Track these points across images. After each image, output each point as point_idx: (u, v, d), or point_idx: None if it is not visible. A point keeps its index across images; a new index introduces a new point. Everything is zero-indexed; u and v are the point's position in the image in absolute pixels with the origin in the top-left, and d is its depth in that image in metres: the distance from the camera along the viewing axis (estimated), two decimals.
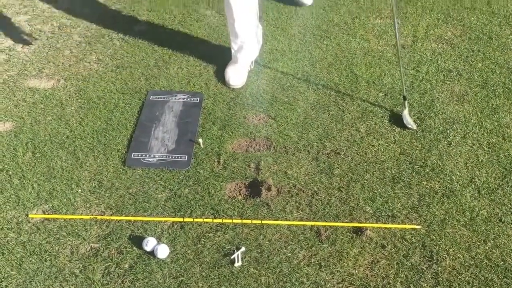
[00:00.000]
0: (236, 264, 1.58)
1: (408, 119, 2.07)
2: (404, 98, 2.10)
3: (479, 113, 2.15)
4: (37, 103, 2.17)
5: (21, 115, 2.11)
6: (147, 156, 1.93)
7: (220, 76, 2.30)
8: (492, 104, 2.19)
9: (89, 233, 1.67)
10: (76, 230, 1.68)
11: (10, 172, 1.87)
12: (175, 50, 2.46)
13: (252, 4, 2.12)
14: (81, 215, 1.72)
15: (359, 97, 2.21)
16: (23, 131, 2.04)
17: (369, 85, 2.27)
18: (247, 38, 2.21)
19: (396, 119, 2.10)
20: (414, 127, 2.06)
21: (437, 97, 2.22)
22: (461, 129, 2.07)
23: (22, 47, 2.50)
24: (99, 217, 1.71)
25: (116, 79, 2.30)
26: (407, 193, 1.81)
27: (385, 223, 1.71)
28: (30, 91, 2.24)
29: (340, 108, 2.15)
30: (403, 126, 2.07)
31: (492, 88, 2.28)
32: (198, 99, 2.18)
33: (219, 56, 2.40)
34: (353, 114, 2.13)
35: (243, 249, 1.62)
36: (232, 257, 1.60)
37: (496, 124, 2.10)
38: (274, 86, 2.27)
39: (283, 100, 2.19)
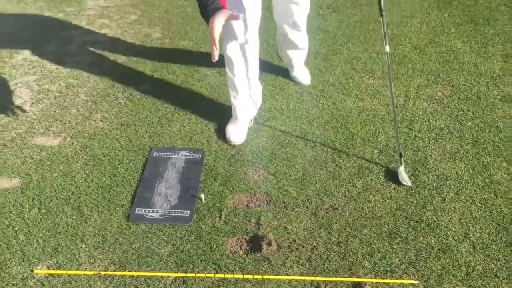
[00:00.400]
0: None
1: (403, 176, 2.15)
2: (400, 155, 2.19)
3: (471, 170, 2.23)
4: (44, 160, 2.24)
5: (28, 171, 2.18)
6: (150, 211, 1.98)
7: (221, 133, 2.40)
8: (483, 162, 2.28)
9: None
10: (80, 286, 1.70)
11: (16, 228, 1.91)
12: (177, 109, 2.57)
13: (253, 61, 2.25)
14: (85, 270, 1.75)
15: (355, 154, 2.29)
16: (29, 187, 2.09)
17: (364, 142, 2.36)
18: (247, 95, 2.33)
19: (391, 176, 2.18)
20: (409, 183, 2.13)
21: (430, 154, 2.31)
22: (454, 186, 2.14)
23: (30, 106, 2.60)
24: (102, 273, 1.73)
25: (120, 136, 2.39)
26: (404, 248, 1.86)
27: (383, 278, 1.75)
28: (37, 148, 2.31)
29: (337, 164, 2.23)
30: (398, 182, 2.14)
31: (483, 146, 2.37)
32: (200, 155, 2.26)
33: (219, 114, 2.50)
34: (349, 170, 2.20)
35: None
36: None
37: (487, 180, 2.17)
38: (273, 143, 2.35)
39: (282, 156, 2.27)
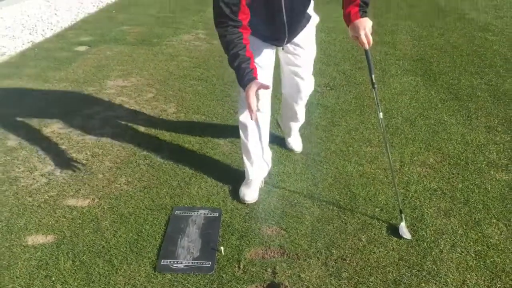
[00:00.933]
0: None
1: (404, 230, 2.37)
2: (400, 212, 2.43)
3: (464, 226, 2.45)
4: (75, 219, 2.45)
5: (61, 229, 2.38)
6: (175, 262, 2.17)
7: (235, 194, 2.63)
8: (475, 218, 2.51)
9: None
10: None
11: (53, 278, 2.08)
12: (195, 173, 2.82)
13: (264, 128, 2.55)
14: None
15: (358, 212, 2.52)
16: (63, 242, 2.29)
17: (366, 201, 2.61)
18: (259, 158, 2.60)
19: (393, 230, 2.40)
20: (409, 237, 2.35)
21: (426, 212, 2.54)
22: (450, 239, 2.36)
23: (60, 172, 2.85)
24: None
25: (144, 197, 2.62)
26: None
27: None
28: (68, 208, 2.53)
29: (342, 221, 2.46)
30: (399, 236, 2.36)
31: (474, 205, 2.61)
32: (218, 213, 2.48)
33: (233, 177, 2.76)
34: (354, 226, 2.43)
35: None
36: None
37: (480, 234, 2.39)
38: (283, 203, 2.59)
39: (292, 214, 2.50)
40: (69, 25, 5.63)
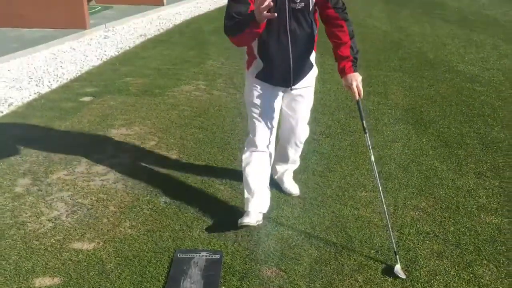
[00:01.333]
0: None
1: (399, 270, 2.46)
2: (395, 253, 2.53)
3: (456, 267, 2.55)
4: (81, 262, 2.53)
5: (67, 271, 2.46)
6: None
7: (236, 236, 2.73)
8: (467, 260, 2.61)
9: None
10: None
11: None
12: (196, 217, 2.93)
13: (266, 168, 2.76)
14: None
15: (354, 253, 2.62)
16: (70, 284, 2.36)
17: (361, 243, 2.71)
18: (259, 192, 2.77)
19: (387, 271, 2.49)
20: (404, 276, 2.44)
21: (420, 254, 2.64)
22: (443, 280, 2.45)
23: (66, 217, 2.95)
24: None
25: (147, 241, 2.71)
26: None
27: None
28: (74, 252, 2.62)
29: (339, 262, 2.55)
30: (394, 276, 2.45)
31: (465, 247, 2.72)
32: (219, 255, 2.57)
33: (233, 221, 2.85)
34: (351, 267, 2.52)
35: None
36: None
37: (471, 275, 2.49)
38: (282, 245, 2.69)
39: (290, 256, 2.59)
40: (74, 76, 5.86)
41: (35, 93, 5.24)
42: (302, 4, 2.50)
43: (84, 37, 7.95)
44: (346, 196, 3.20)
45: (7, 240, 2.72)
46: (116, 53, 7.04)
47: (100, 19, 9.17)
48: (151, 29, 8.91)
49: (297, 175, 3.38)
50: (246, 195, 2.78)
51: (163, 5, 10.93)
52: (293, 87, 2.71)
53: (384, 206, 2.65)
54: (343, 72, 2.59)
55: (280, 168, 3.21)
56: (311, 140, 4.02)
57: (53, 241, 2.71)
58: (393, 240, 2.63)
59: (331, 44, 2.64)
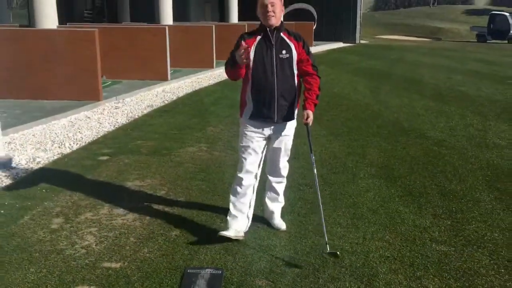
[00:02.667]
0: None
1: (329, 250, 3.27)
2: (326, 243, 3.23)
3: (408, 280, 3.22)
4: (111, 275, 3.19)
5: (101, 282, 3.12)
6: None
7: (234, 258, 3.41)
8: (417, 275, 3.28)
9: None
10: None
11: None
12: (201, 246, 3.61)
13: (245, 200, 3.64)
14: None
15: (328, 270, 3.29)
16: None
17: (334, 264, 3.38)
18: (240, 214, 3.62)
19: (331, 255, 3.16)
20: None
21: (380, 271, 3.32)
22: None
23: (95, 245, 3.63)
24: None
25: (163, 261, 3.38)
26: None
27: None
28: (105, 269, 3.28)
29: (316, 276, 3.22)
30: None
31: (417, 266, 3.40)
32: (220, 271, 3.24)
33: (231, 248, 3.53)
34: (325, 279, 3.18)
35: None
36: None
37: (419, 285, 3.15)
38: (271, 264, 3.35)
39: (277, 271, 3.26)
40: (92, 140, 6.68)
41: (58, 154, 6.02)
42: (287, 55, 3.45)
43: (97, 108, 8.88)
44: (324, 231, 3.90)
45: (49, 261, 3.39)
46: (127, 121, 7.93)
47: (111, 92, 10.18)
48: (157, 100, 9.89)
49: (285, 216, 4.10)
50: (228, 217, 3.65)
51: (167, 80, 12.04)
52: (276, 122, 3.55)
53: (320, 203, 3.35)
54: (304, 107, 3.56)
55: (271, 207, 3.93)
56: (297, 189, 4.79)
57: (87, 262, 3.38)
58: (325, 232, 3.51)
59: (304, 86, 3.59)
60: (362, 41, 33.87)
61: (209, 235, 3.80)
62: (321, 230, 3.67)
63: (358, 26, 32.60)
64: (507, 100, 10.50)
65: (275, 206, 3.94)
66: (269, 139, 3.68)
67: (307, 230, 3.94)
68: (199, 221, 4.08)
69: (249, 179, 3.63)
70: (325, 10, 32.55)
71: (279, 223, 3.95)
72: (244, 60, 3.29)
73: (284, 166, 3.83)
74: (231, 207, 3.69)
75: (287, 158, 3.81)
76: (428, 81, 13.60)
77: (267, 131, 3.61)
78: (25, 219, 4.08)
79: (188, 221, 4.09)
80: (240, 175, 3.64)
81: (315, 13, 30.72)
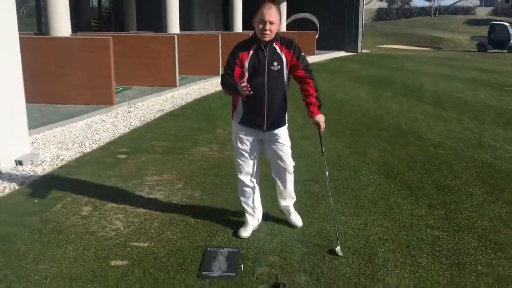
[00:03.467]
0: None
1: (338, 250, 3.61)
2: (337, 239, 3.62)
3: (404, 257, 3.61)
4: (141, 252, 3.60)
5: (132, 257, 3.52)
6: (211, 273, 3.31)
7: (248, 240, 3.81)
8: (412, 253, 3.67)
9: None
10: None
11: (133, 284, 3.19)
12: (219, 229, 4.01)
13: (251, 197, 3.95)
14: None
15: (333, 249, 3.69)
16: (135, 263, 3.42)
17: (339, 245, 3.78)
18: (252, 209, 3.96)
19: (332, 251, 3.56)
20: (341, 254, 3.55)
21: (379, 250, 3.71)
22: (394, 263, 3.51)
23: (123, 229, 4.04)
24: None
25: (185, 242, 3.79)
26: None
27: None
28: (135, 247, 3.69)
29: (321, 254, 3.62)
30: (335, 253, 3.59)
31: (412, 247, 3.79)
32: (237, 249, 3.65)
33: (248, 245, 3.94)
34: (330, 257, 3.59)
35: None
36: None
37: (414, 261, 3.55)
38: (282, 244, 3.75)
39: (287, 250, 3.66)
40: (109, 141, 7.11)
41: (80, 152, 6.45)
42: (278, 67, 3.58)
43: (111, 112, 9.32)
44: (329, 218, 4.30)
45: (84, 241, 3.81)
46: (140, 124, 8.37)
47: (122, 97, 10.62)
48: (167, 105, 10.33)
49: (295, 206, 4.50)
50: (245, 216, 4.00)
51: (176, 86, 12.50)
52: (266, 131, 3.72)
53: (331, 199, 3.75)
54: (312, 114, 3.66)
55: (284, 204, 4.19)
56: (303, 184, 5.20)
57: (118, 242, 3.79)
58: (336, 230, 3.77)
59: (302, 95, 3.70)
60: (364, 50, 34.36)
61: (225, 221, 4.21)
62: (327, 218, 4.06)
63: (360, 36, 33.10)
64: (502, 106, 10.91)
65: (289, 203, 4.19)
66: (263, 144, 3.87)
67: (313, 218, 4.34)
68: (215, 210, 4.49)
69: (249, 179, 3.91)
70: (327, 19, 33.12)
71: (296, 219, 4.13)
72: (247, 93, 3.41)
73: (289, 162, 3.95)
74: (244, 206, 3.99)
75: (290, 153, 3.93)
76: (427, 88, 14.03)
77: (259, 135, 3.79)
78: (57, 207, 4.49)
79: (205, 209, 4.49)
80: (240, 176, 3.90)
81: (317, 23, 31.29)
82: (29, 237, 3.87)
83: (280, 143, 3.86)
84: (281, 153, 3.88)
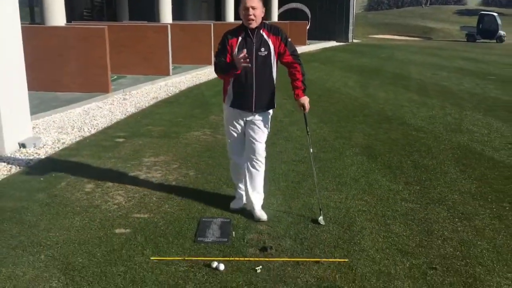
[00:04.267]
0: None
1: (321, 219, 4.00)
2: (320, 209, 4.01)
3: (379, 225, 4.01)
4: (141, 221, 3.97)
5: (134, 225, 3.90)
6: (206, 238, 3.69)
7: (238, 212, 4.19)
8: (387, 222, 4.07)
9: None
10: None
11: (134, 247, 3.57)
12: (212, 203, 4.38)
13: (242, 174, 4.19)
14: None
15: (316, 220, 4.08)
16: (137, 231, 3.80)
17: (321, 216, 4.17)
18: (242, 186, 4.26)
19: (315, 220, 3.95)
20: (323, 223, 3.96)
21: (357, 220, 4.11)
22: (370, 231, 3.91)
23: (125, 203, 4.40)
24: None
25: (182, 213, 4.16)
26: None
27: None
28: (136, 218, 4.06)
29: (305, 223, 4.01)
30: (317, 223, 3.93)
31: (387, 217, 4.19)
32: (229, 220, 4.03)
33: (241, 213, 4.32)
34: (314, 226, 3.98)
35: None
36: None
37: (388, 229, 3.95)
38: (269, 215, 4.14)
39: (275, 220, 4.05)
40: (107, 126, 7.45)
41: (79, 136, 6.79)
42: (266, 52, 3.80)
43: (107, 99, 9.64)
44: (313, 193, 4.69)
45: (89, 213, 4.17)
46: (136, 110, 8.71)
47: (117, 85, 10.93)
48: (161, 93, 10.66)
49: (281, 183, 4.90)
50: (236, 191, 4.32)
51: (169, 75, 12.80)
52: (255, 112, 3.91)
53: (315, 174, 4.14)
54: (298, 96, 3.96)
55: (252, 198, 4.12)
56: (290, 164, 5.59)
57: (120, 213, 4.16)
58: (319, 201, 4.16)
59: (290, 79, 3.96)
60: (354, 40, 34.75)
61: (218, 196, 4.59)
62: (311, 193, 4.45)
63: (351, 26, 33.48)
64: (485, 94, 11.35)
65: (257, 197, 4.15)
66: (247, 124, 4.00)
67: (299, 193, 4.73)
68: (208, 186, 4.87)
69: (239, 158, 4.15)
70: (318, 10, 33.43)
71: (260, 213, 4.11)
72: (244, 65, 3.63)
73: (261, 147, 4.02)
74: (235, 183, 4.32)
75: (264, 139, 4.04)
76: (415, 77, 14.45)
77: (248, 116, 3.96)
78: (62, 184, 4.85)
79: (199, 185, 4.87)
80: (231, 156, 4.18)
81: (309, 13, 31.58)
82: (39, 210, 4.22)
83: (260, 125, 4.00)
84: (257, 136, 4.00)
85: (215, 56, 3.93)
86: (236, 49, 3.81)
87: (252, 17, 3.76)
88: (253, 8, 3.75)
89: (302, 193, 4.74)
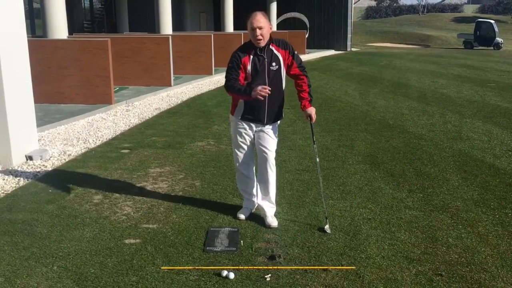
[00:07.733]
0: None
1: (327, 228, 4.05)
2: (326, 218, 4.08)
3: (384, 233, 4.08)
4: (151, 232, 4.04)
5: (143, 236, 3.96)
6: (214, 248, 3.75)
7: (246, 221, 4.26)
8: (392, 230, 4.14)
9: None
10: None
11: (144, 258, 3.63)
12: (220, 212, 4.46)
13: (250, 185, 4.32)
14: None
15: (322, 228, 4.15)
16: (146, 241, 3.86)
17: (326, 224, 4.25)
18: (249, 195, 4.35)
19: (321, 229, 4.02)
20: (329, 231, 4.02)
21: (363, 228, 4.18)
22: (375, 238, 3.97)
23: (133, 213, 4.47)
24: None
25: (190, 223, 4.23)
26: None
27: None
28: (145, 228, 4.12)
29: (311, 231, 4.08)
30: (323, 231, 4.02)
31: (392, 224, 4.26)
32: (237, 229, 4.10)
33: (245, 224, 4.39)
34: (319, 234, 4.05)
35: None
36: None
37: (393, 235, 4.02)
38: (277, 224, 4.22)
39: (282, 229, 4.12)
40: (111, 137, 7.53)
41: (85, 148, 6.87)
42: (277, 66, 3.94)
43: (110, 110, 9.73)
44: (318, 202, 4.77)
45: (99, 224, 4.24)
46: (139, 121, 8.80)
47: (120, 96, 11.03)
48: (163, 104, 10.76)
49: (286, 192, 4.97)
50: (243, 200, 4.42)
51: (170, 85, 12.91)
52: (267, 123, 4.04)
53: (321, 183, 4.22)
54: (305, 107, 4.08)
55: (263, 206, 4.27)
56: (295, 173, 5.66)
57: (129, 224, 4.23)
58: (325, 211, 4.24)
59: (296, 89, 4.10)
60: (353, 49, 34.94)
61: (225, 206, 4.67)
62: (316, 202, 4.52)
63: (349, 35, 33.67)
64: (484, 101, 11.45)
65: (267, 204, 4.29)
66: (256, 135, 4.11)
67: (304, 202, 4.80)
68: (215, 196, 4.94)
69: (246, 168, 4.26)
70: (317, 19, 33.68)
71: (272, 221, 4.21)
72: (264, 94, 3.78)
73: (272, 156, 4.15)
74: (242, 193, 4.41)
75: (275, 148, 4.17)
76: (413, 84, 14.57)
77: (258, 127, 4.07)
78: (70, 196, 4.92)
79: (206, 195, 4.95)
80: (238, 166, 4.23)
81: (307, 22, 31.81)
82: (49, 221, 4.29)
83: (270, 134, 4.12)
84: (268, 145, 4.13)
85: (227, 74, 3.98)
86: (249, 67, 3.91)
87: (260, 37, 3.84)
88: (260, 28, 3.83)
89: (308, 202, 4.82)
